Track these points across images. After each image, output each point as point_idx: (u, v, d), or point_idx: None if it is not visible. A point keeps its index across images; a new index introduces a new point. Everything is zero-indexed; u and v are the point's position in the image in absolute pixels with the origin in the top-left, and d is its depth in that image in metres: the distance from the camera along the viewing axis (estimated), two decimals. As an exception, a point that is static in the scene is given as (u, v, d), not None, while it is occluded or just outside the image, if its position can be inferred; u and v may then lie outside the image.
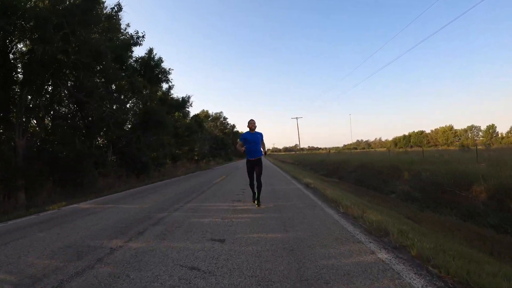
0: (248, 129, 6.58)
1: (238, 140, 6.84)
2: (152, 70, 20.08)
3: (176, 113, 35.11)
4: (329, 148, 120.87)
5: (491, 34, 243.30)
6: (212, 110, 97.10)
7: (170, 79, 21.32)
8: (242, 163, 38.02)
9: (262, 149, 6.76)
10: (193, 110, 57.93)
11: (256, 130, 6.60)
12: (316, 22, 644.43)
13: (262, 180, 6.78)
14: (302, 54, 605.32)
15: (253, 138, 6.44)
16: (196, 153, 41.06)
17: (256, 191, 6.76)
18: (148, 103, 22.35)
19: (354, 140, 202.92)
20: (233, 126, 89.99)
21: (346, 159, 21.70)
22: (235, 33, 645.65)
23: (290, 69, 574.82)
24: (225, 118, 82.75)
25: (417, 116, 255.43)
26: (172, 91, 25.43)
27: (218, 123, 78.46)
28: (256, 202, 6.67)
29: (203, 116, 66.87)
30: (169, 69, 20.99)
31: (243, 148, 6.57)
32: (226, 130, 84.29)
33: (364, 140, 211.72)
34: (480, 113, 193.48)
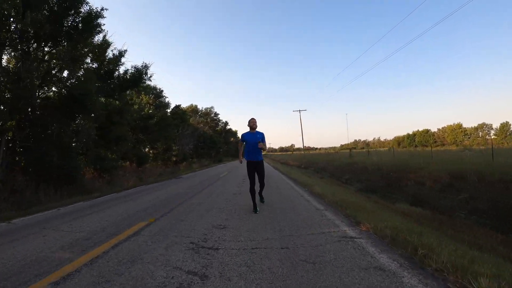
0: (248, 129, 6.20)
1: (239, 140, 6.47)
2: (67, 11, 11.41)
3: (145, 99, 26.41)
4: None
5: (501, 28, 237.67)
6: (202, 105, 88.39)
7: (100, 25, 12.56)
8: (232, 166, 29.24)
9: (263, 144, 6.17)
10: (181, 105, 48.57)
11: (257, 129, 6.23)
12: (311, 20, 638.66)
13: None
14: (297, 54, 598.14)
15: (253, 139, 6.01)
16: (174, 153, 32.23)
17: (258, 197, 6.26)
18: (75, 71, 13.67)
19: (351, 140, 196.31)
20: (226, 123, 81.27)
21: (402, 163, 13.10)
22: (230, 33, 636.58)
23: (284, 69, 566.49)
24: (216, 114, 74.05)
25: (416, 116, 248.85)
26: (124, 59, 16.58)
27: (208, 119, 69.58)
28: (259, 199, 6.42)
29: (190, 111, 58.11)
30: (101, 9, 12.26)
31: (242, 149, 6.47)
32: (218, 128, 75.52)
33: (362, 140, 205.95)
34: (483, 111, 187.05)
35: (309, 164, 26.18)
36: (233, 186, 9.59)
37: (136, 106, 24.97)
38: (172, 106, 37.75)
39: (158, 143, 30.17)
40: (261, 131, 6.19)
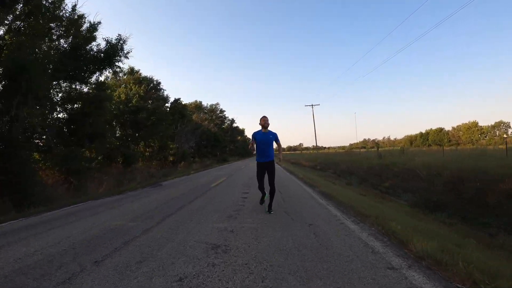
0: (260, 127, 5.72)
1: (251, 139, 5.80)
2: None
3: (134, 88, 22.79)
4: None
5: None
6: (206, 102, 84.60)
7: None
8: (236, 167, 25.09)
9: (278, 152, 6.20)
10: (181, 99, 43.77)
11: (269, 128, 5.75)
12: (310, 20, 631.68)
13: None
14: (301, 52, 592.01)
15: (265, 139, 5.57)
16: (171, 152, 28.62)
17: (268, 198, 5.72)
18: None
19: (360, 139, 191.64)
20: (232, 121, 77.38)
21: (470, 167, 9.19)
22: (229, 33, 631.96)
23: (285, 68, 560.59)
24: (222, 111, 70.22)
25: (427, 114, 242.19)
26: (98, 32, 13.04)
27: (213, 116, 65.77)
28: (267, 210, 5.61)
29: (194, 107, 54.53)
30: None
31: (254, 147, 5.76)
32: (224, 126, 71.78)
33: (371, 139, 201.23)
34: (499, 109, 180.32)
35: (327, 165, 22.25)
36: (222, 214, 5.38)
37: (122, 96, 21.40)
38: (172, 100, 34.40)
39: (152, 140, 26.63)
40: (273, 131, 5.75)
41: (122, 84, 23.82)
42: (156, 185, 11.78)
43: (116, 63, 13.88)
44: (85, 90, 15.36)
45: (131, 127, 23.06)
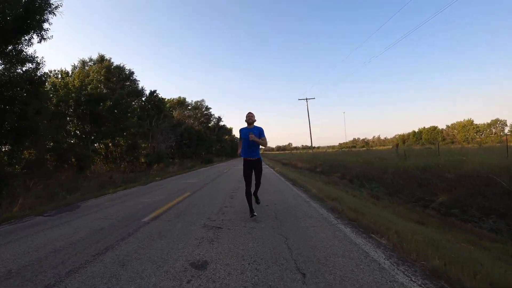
0: (246, 124, 5.49)
1: (239, 136, 5.59)
2: None
3: (93, 74, 18.38)
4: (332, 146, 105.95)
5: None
6: (191, 99, 79.82)
7: None
8: (217, 171, 19.64)
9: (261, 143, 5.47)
10: (157, 91, 39.72)
11: (255, 124, 5.46)
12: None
13: None
14: (293, 51, 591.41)
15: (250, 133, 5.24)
16: (144, 152, 24.23)
17: (253, 197, 5.63)
18: None
19: (350, 139, 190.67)
20: (219, 119, 72.70)
21: None
22: (211, 34, 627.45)
23: (280, 67, 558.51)
24: (207, 108, 65.31)
25: (418, 113, 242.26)
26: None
27: (198, 114, 61.12)
28: (255, 200, 5.66)
29: (175, 103, 49.97)
30: None
31: (240, 148, 5.54)
32: (210, 124, 67.28)
33: (361, 139, 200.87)
34: (494, 107, 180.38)
35: (331, 167, 18.32)
36: None
37: (76, 83, 17.01)
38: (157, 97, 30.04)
39: (123, 138, 22.27)
40: (259, 126, 5.47)
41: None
42: (71, 207, 7.28)
43: (43, 24, 9.61)
44: (19, 71, 11.10)
45: (90, 122, 18.69)
